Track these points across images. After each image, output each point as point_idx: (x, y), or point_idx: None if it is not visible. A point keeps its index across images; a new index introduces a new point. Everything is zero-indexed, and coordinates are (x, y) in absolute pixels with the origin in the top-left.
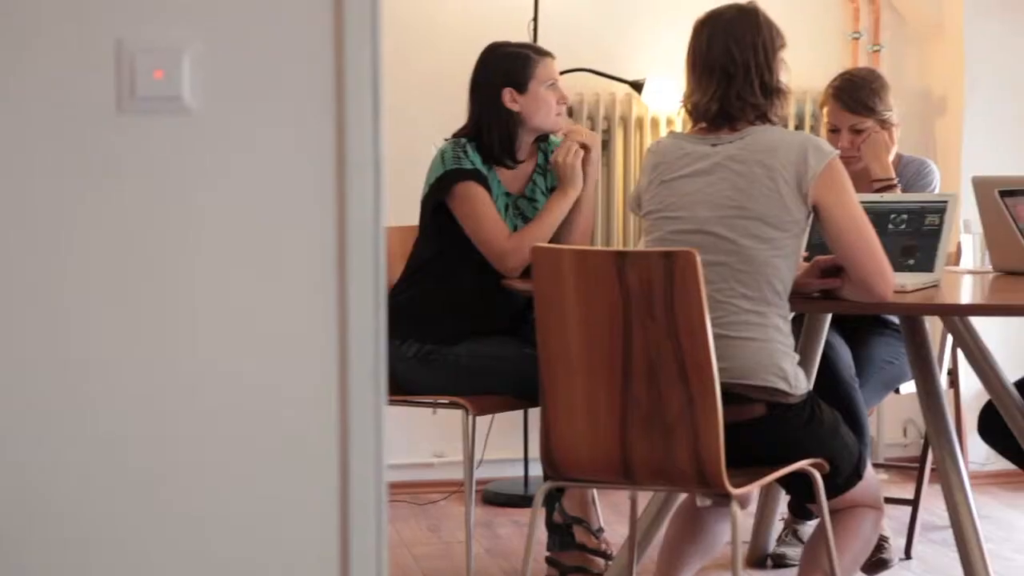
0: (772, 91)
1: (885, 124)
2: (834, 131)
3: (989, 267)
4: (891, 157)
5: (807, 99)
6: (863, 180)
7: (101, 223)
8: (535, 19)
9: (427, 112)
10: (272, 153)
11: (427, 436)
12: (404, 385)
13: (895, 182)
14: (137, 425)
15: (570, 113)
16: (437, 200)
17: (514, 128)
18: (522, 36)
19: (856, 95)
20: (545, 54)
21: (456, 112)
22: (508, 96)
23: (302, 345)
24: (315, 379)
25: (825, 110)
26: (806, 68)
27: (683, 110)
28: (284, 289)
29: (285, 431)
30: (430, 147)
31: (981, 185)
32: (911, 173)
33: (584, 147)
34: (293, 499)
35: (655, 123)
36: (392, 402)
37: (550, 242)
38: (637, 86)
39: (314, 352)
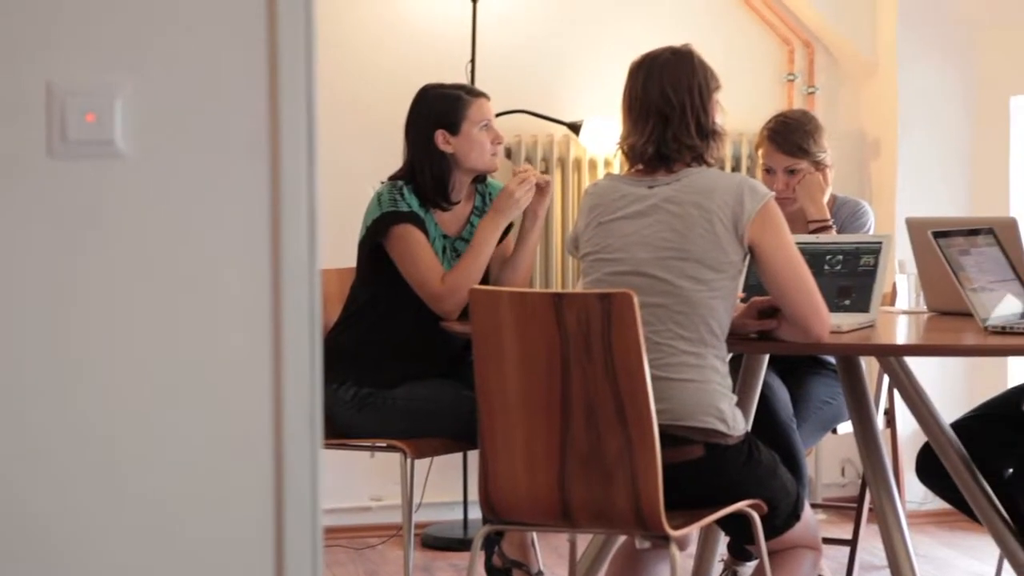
0: (708, 133)
1: (819, 166)
2: (769, 172)
3: (924, 307)
4: (826, 198)
5: (743, 141)
6: (798, 221)
7: (31, 268)
8: (472, 61)
9: (365, 153)
10: (206, 197)
11: (365, 480)
12: (342, 428)
13: (830, 223)
14: (66, 468)
15: (508, 154)
16: (374, 242)
17: (447, 170)
18: (460, 78)
19: (790, 137)
20: (479, 95)
21: (394, 154)
22: (441, 138)
23: (236, 389)
24: (249, 423)
25: (760, 152)
26: (742, 110)
27: (620, 152)
28: (218, 333)
29: (219, 475)
30: (368, 188)
31: (915, 226)
32: (846, 214)
33: (538, 187)
34: (227, 543)
35: (593, 164)
36: (329, 445)
37: (492, 283)
38: (575, 128)
39: (249, 395)
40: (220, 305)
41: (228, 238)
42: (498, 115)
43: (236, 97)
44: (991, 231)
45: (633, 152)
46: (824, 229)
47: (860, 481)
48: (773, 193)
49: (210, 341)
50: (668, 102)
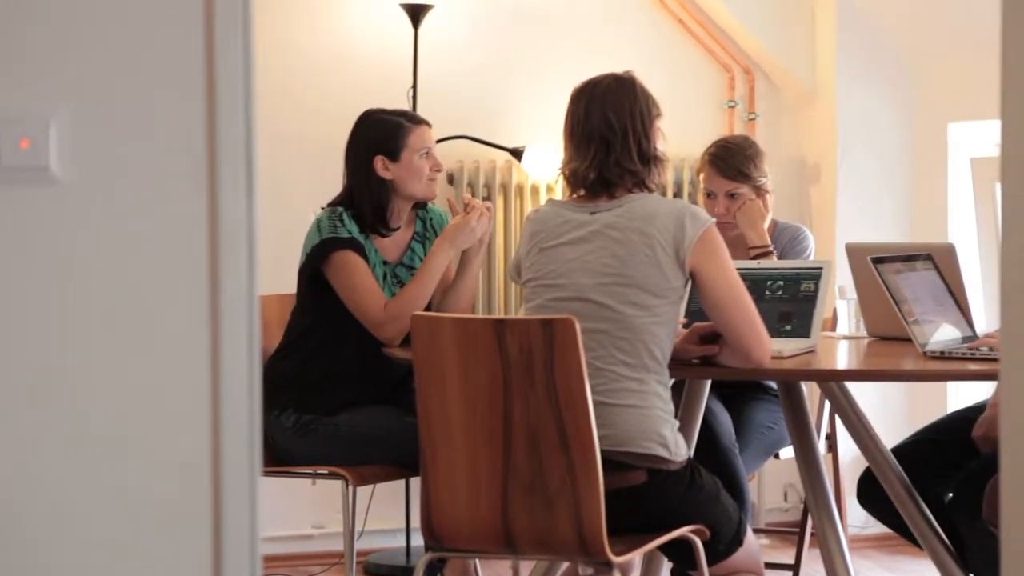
0: (650, 159)
1: (760, 190)
2: (710, 196)
3: (864, 332)
4: (766, 224)
5: (685, 167)
6: (739, 246)
7: None
8: (414, 87)
9: (306, 179)
10: (143, 223)
11: (306, 507)
12: (282, 456)
13: (771, 249)
14: (5, 494)
15: (451, 180)
16: (314, 269)
17: (386, 196)
18: (401, 103)
19: (731, 161)
20: (420, 122)
21: (335, 179)
22: (380, 164)
23: (174, 416)
24: (188, 450)
25: (701, 176)
26: (683, 136)
27: (561, 177)
28: (156, 360)
29: (157, 503)
30: (309, 214)
31: (854, 252)
32: (786, 239)
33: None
34: (165, 571)
35: (535, 190)
36: (270, 473)
37: (434, 309)
38: (517, 153)
39: (187, 423)
40: (157, 332)
41: (165, 265)
42: (440, 141)
43: (173, 123)
44: (929, 257)
45: (575, 177)
46: (765, 255)
47: (802, 506)
48: (714, 219)
49: (147, 368)
50: (610, 128)
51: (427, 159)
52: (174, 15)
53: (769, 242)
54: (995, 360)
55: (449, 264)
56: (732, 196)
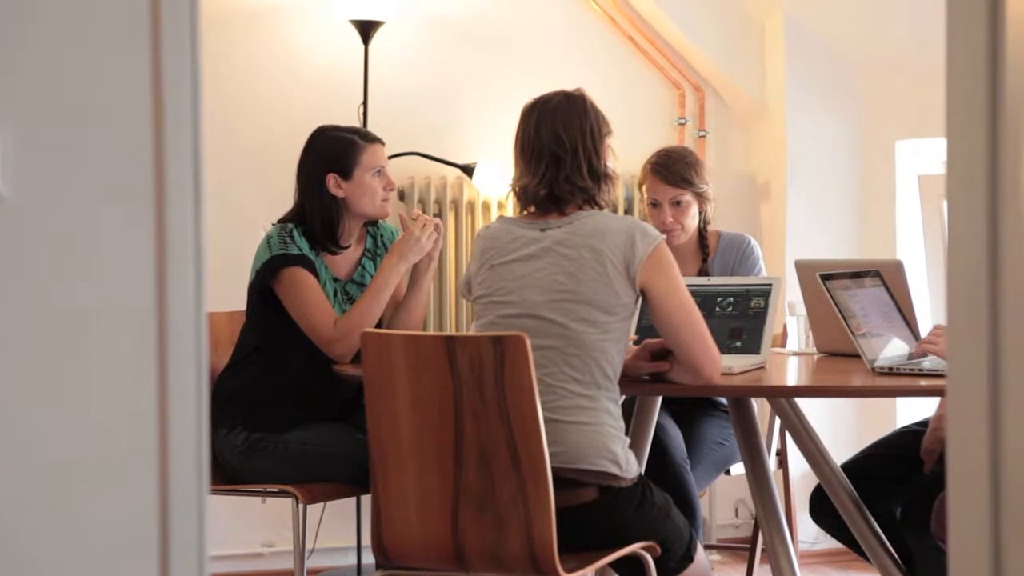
0: (600, 176)
1: (702, 197)
2: (655, 206)
3: (813, 349)
4: (696, 229)
5: (635, 184)
6: (687, 256)
7: None
8: (365, 103)
9: (257, 195)
10: (89, 240)
11: (256, 525)
12: (232, 474)
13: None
14: None
15: (401, 196)
16: (264, 285)
17: (337, 213)
18: (352, 119)
19: (674, 168)
20: (373, 140)
21: (287, 195)
22: (332, 182)
23: (121, 435)
24: (134, 470)
25: (644, 187)
26: (634, 153)
27: (512, 194)
28: (102, 379)
29: (103, 523)
30: (260, 230)
31: (804, 269)
32: (732, 251)
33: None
34: None
35: (486, 206)
36: (219, 491)
37: (385, 326)
38: (468, 170)
39: (133, 441)
40: (104, 350)
41: (112, 282)
42: (391, 157)
43: (120, 139)
44: (878, 273)
45: (526, 194)
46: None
47: (753, 522)
48: (664, 236)
49: (94, 387)
50: (560, 144)
51: (380, 178)
52: (120, 31)
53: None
54: (943, 376)
55: (400, 281)
56: (677, 204)
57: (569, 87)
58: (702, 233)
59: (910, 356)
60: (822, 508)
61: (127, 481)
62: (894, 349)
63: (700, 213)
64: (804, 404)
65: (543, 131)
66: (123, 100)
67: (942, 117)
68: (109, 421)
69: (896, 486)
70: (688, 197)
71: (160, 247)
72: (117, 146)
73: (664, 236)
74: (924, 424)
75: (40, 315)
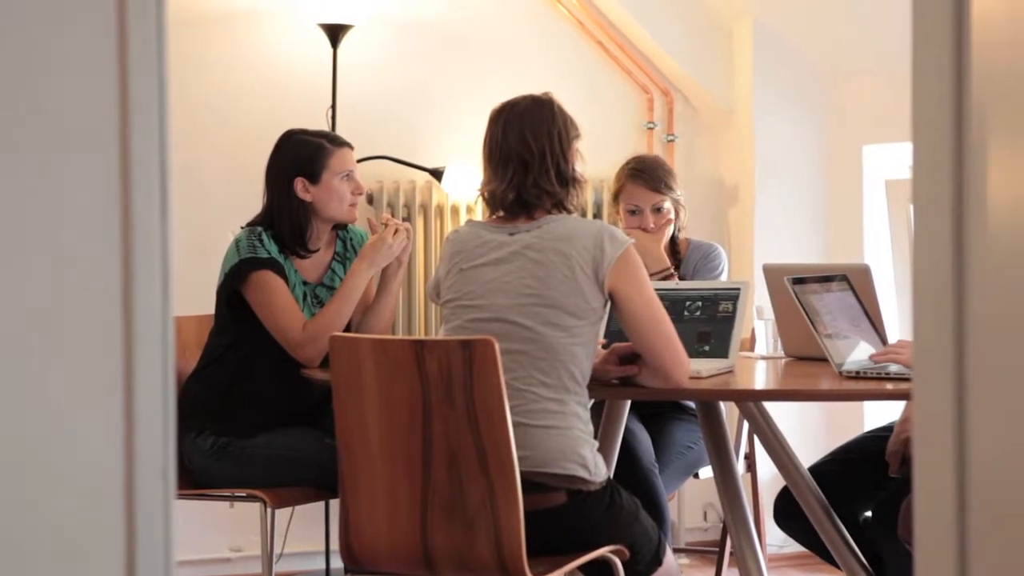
0: (568, 180)
1: (678, 204)
2: (635, 213)
3: (782, 353)
4: (667, 239)
5: (604, 188)
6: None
7: None
8: (333, 106)
9: (226, 198)
10: (53, 243)
11: (225, 530)
12: (200, 478)
13: (671, 271)
14: None
15: (370, 200)
16: (232, 289)
17: (305, 217)
18: (320, 123)
19: (654, 175)
20: (342, 144)
21: (255, 198)
22: (300, 185)
23: (86, 440)
24: (99, 474)
25: (622, 195)
26: (602, 158)
27: (481, 198)
28: (67, 382)
29: (67, 528)
30: (228, 233)
31: (772, 273)
32: (699, 257)
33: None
34: None
35: (455, 210)
36: (187, 496)
37: (354, 330)
38: (437, 174)
39: (99, 446)
40: (69, 354)
41: (77, 286)
42: (360, 161)
43: (86, 141)
44: (845, 278)
45: (494, 198)
46: (667, 277)
47: (722, 525)
48: (633, 240)
49: (57, 391)
50: (528, 149)
51: (348, 182)
52: (86, 33)
53: (668, 264)
54: (909, 380)
55: (369, 284)
56: (658, 210)
57: (538, 91)
58: (674, 240)
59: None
60: (788, 513)
61: (92, 486)
62: (861, 353)
63: (675, 220)
64: (772, 408)
65: (511, 136)
66: (89, 102)
67: (909, 122)
68: (73, 425)
69: (862, 490)
70: (668, 204)
71: (126, 250)
72: (82, 148)
73: (633, 240)
74: (888, 429)
75: (2, 322)
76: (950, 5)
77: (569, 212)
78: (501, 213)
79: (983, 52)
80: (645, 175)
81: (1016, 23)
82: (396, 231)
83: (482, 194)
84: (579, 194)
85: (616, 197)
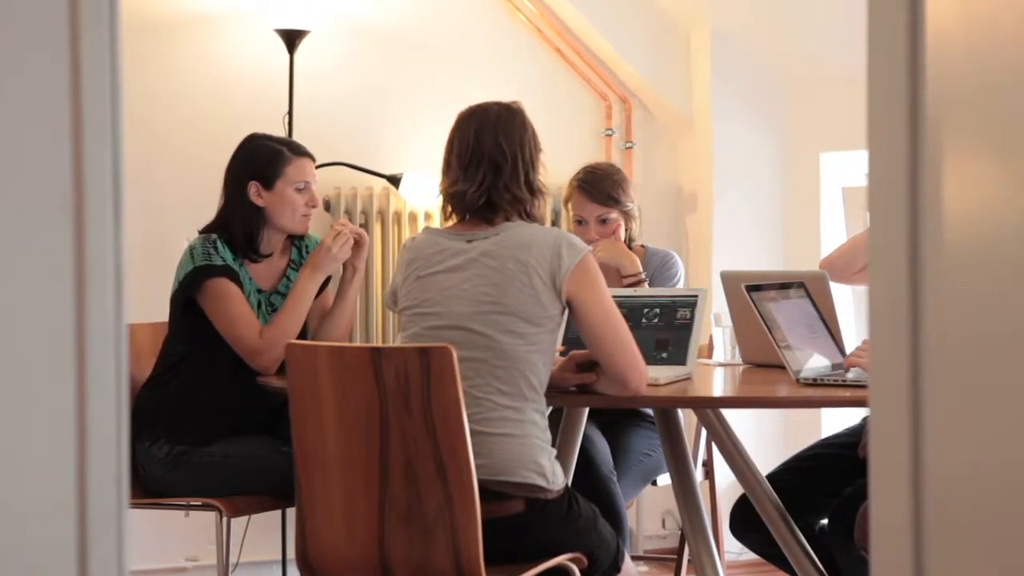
0: (535, 189)
1: (628, 215)
2: (580, 223)
3: (739, 360)
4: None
5: (562, 195)
6: (609, 272)
7: None
8: (290, 112)
9: (180, 204)
10: (5, 251)
11: (180, 539)
12: (155, 487)
13: (643, 276)
14: None
15: (328, 207)
16: (187, 296)
17: (257, 223)
18: (277, 128)
19: (600, 186)
20: (303, 154)
21: (210, 205)
22: (254, 189)
23: (37, 447)
24: (51, 483)
25: (570, 204)
26: (560, 165)
27: (443, 200)
28: (19, 391)
29: (17, 538)
30: (183, 239)
31: (729, 280)
32: (656, 265)
33: (356, 241)
34: None
35: (413, 217)
36: (142, 505)
37: (311, 337)
38: (394, 180)
39: (51, 454)
40: (20, 362)
41: (28, 293)
42: (317, 167)
43: (38, 147)
44: (802, 285)
45: (461, 199)
46: (639, 283)
47: (680, 533)
48: (591, 248)
49: (7, 400)
50: (502, 153)
51: (303, 193)
52: (38, 37)
53: (641, 269)
54: (865, 387)
55: (327, 292)
56: (603, 222)
57: (496, 98)
58: (628, 248)
59: (834, 367)
60: (744, 525)
61: (44, 494)
62: (818, 360)
63: (626, 231)
64: (730, 415)
65: (484, 139)
66: (41, 107)
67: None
68: (24, 434)
69: (818, 498)
70: (615, 215)
71: (79, 257)
72: (34, 154)
73: (590, 248)
74: (843, 435)
75: None
76: (905, 14)
77: (532, 220)
78: (464, 217)
79: (937, 61)
80: (590, 187)
81: (970, 33)
82: (338, 235)
83: (445, 195)
84: (542, 204)
85: (566, 205)
